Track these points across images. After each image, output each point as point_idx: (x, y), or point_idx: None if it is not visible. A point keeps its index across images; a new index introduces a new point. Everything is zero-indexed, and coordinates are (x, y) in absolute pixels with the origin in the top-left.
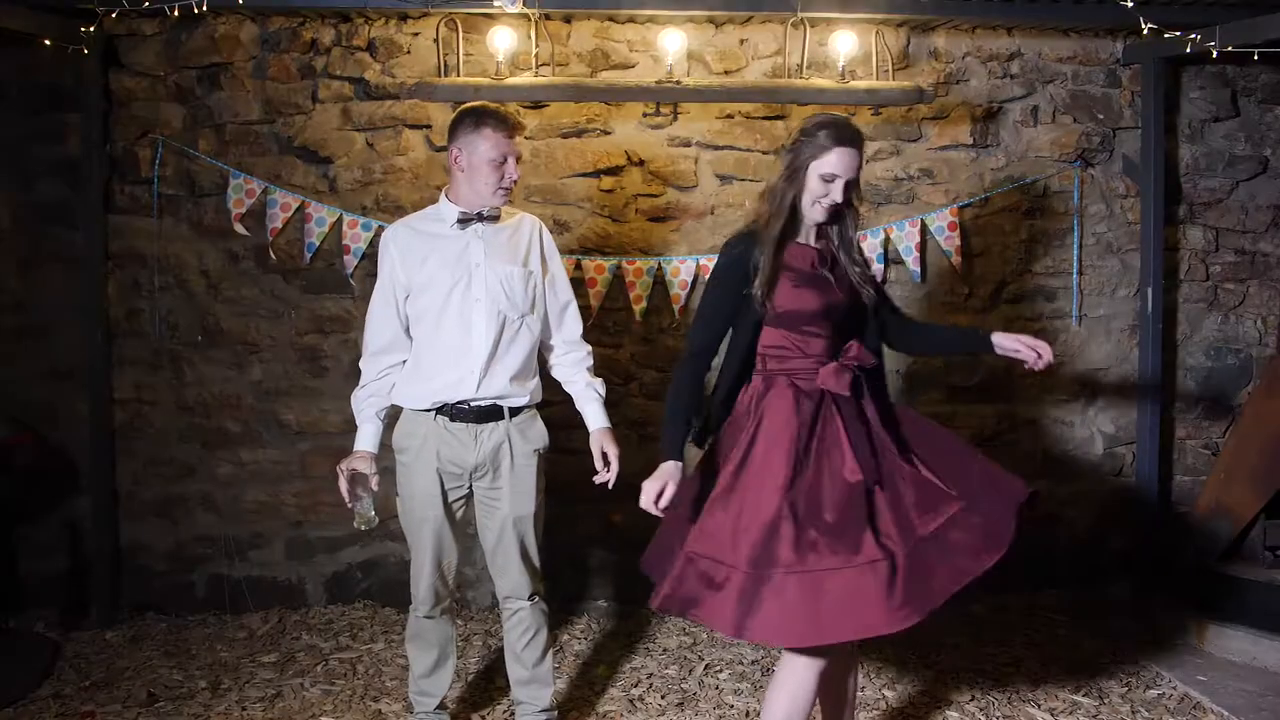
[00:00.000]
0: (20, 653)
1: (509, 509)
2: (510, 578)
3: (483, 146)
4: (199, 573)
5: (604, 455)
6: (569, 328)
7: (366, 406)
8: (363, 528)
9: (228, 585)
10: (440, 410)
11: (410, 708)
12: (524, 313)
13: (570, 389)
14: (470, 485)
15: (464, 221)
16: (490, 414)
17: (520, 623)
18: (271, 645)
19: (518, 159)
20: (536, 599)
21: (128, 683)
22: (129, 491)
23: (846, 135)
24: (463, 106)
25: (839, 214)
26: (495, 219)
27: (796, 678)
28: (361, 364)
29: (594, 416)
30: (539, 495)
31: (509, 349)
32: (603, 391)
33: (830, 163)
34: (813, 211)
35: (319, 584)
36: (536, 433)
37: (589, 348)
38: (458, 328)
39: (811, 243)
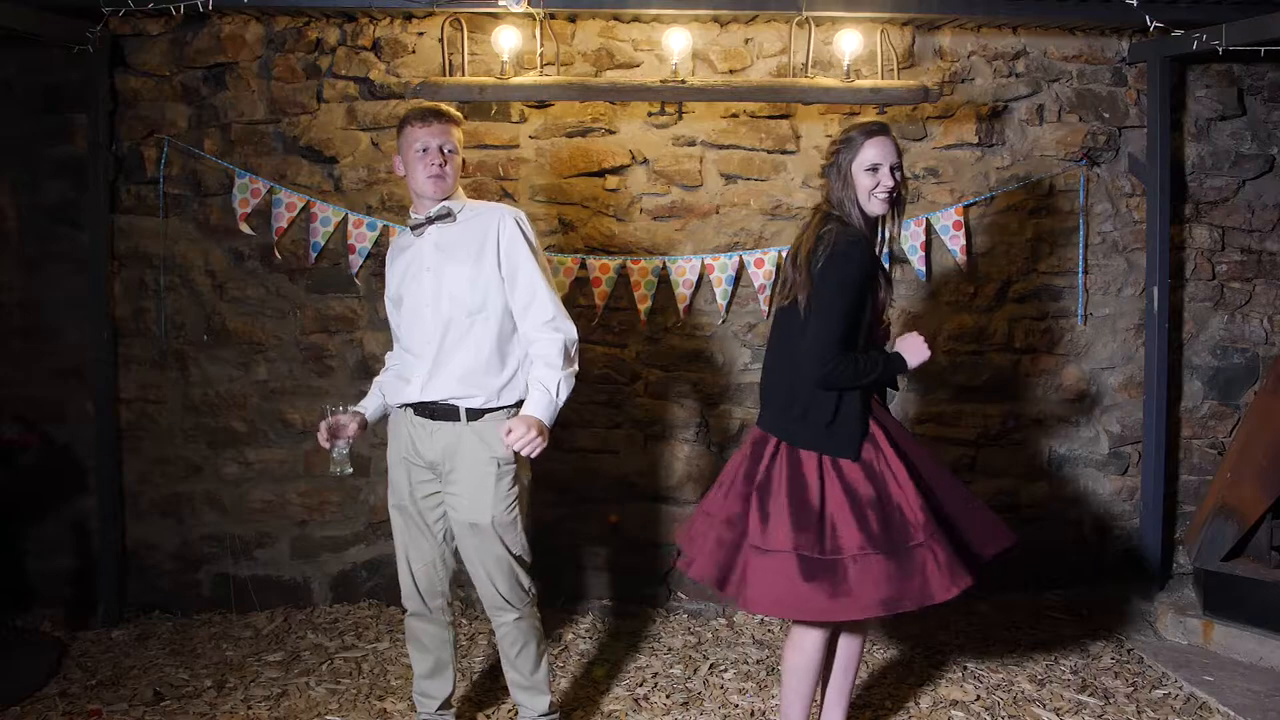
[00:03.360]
0: (27, 651)
1: (464, 514)
2: (481, 589)
3: (405, 143)
4: (205, 572)
5: (508, 431)
6: (530, 319)
7: (377, 384)
8: (336, 471)
9: (233, 584)
10: (405, 405)
11: (414, 707)
12: (472, 311)
13: (531, 374)
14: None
15: (416, 228)
16: (444, 413)
17: (506, 636)
18: (277, 644)
19: (445, 148)
20: (520, 616)
21: (134, 681)
22: (135, 491)
23: (875, 127)
24: None
25: (892, 207)
26: (447, 217)
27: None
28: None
29: (530, 402)
30: (503, 505)
31: (455, 350)
32: (554, 387)
33: (869, 155)
34: (872, 205)
35: (324, 583)
36: (497, 439)
37: (557, 337)
38: (414, 331)
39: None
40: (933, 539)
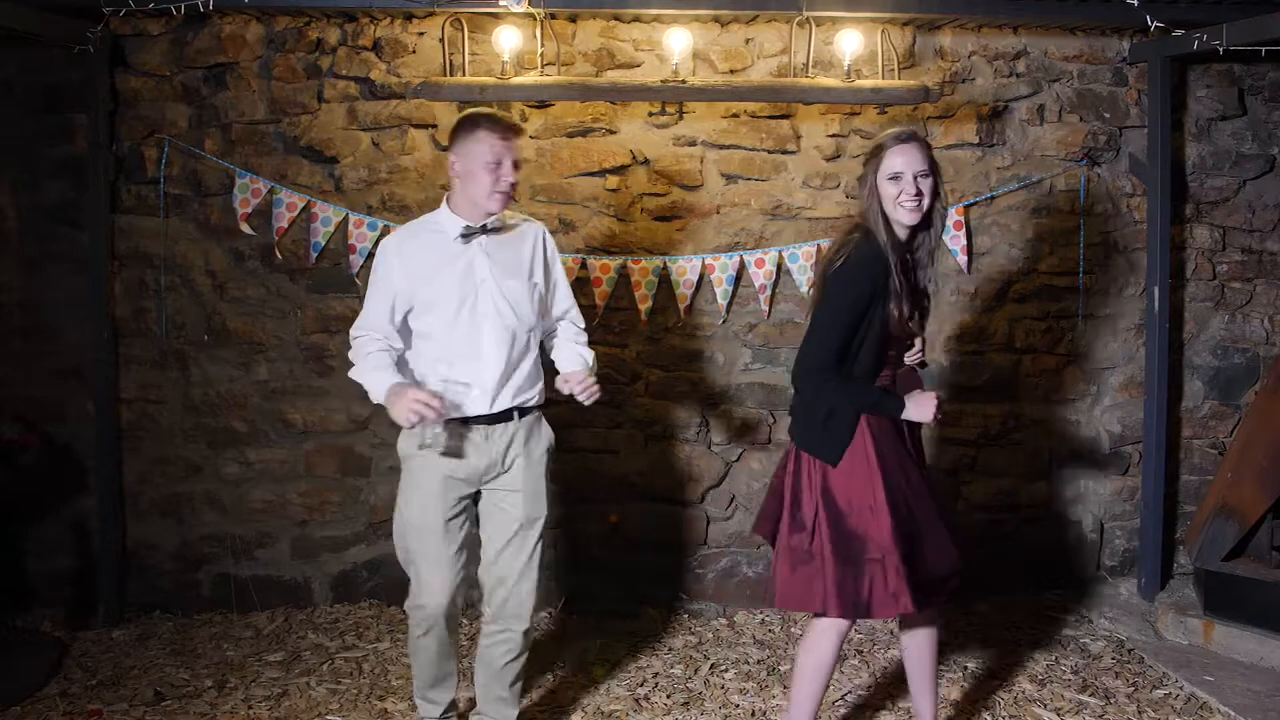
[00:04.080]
0: (27, 651)
1: (524, 510)
2: (514, 594)
3: (477, 150)
4: (205, 572)
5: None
6: (566, 315)
7: (375, 353)
8: (429, 443)
9: (234, 584)
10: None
11: (414, 707)
12: (531, 326)
13: (558, 348)
14: (479, 490)
15: (467, 236)
16: (502, 417)
17: (506, 643)
18: (277, 644)
19: (515, 163)
20: (529, 626)
21: (134, 681)
22: (135, 491)
23: (902, 134)
24: (462, 113)
25: (928, 220)
26: (499, 230)
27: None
28: (353, 333)
29: (576, 361)
30: (550, 501)
31: (521, 361)
32: (589, 356)
33: (893, 163)
34: (899, 214)
35: (325, 583)
36: (545, 432)
37: (582, 325)
38: (464, 338)
39: (903, 255)
40: (889, 557)
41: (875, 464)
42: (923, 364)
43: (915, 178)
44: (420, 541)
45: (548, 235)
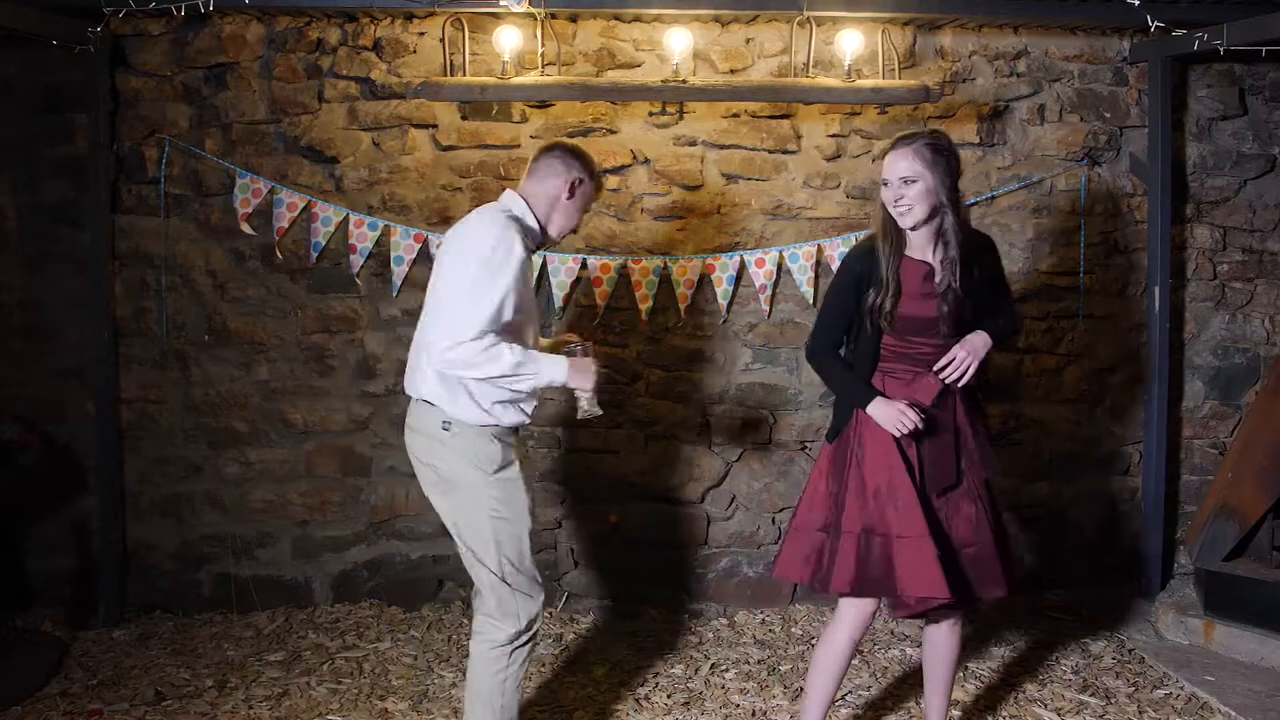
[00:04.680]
0: (28, 651)
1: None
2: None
3: (585, 195)
4: (206, 572)
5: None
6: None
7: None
8: (587, 414)
9: (234, 584)
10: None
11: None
12: None
13: None
14: None
15: (539, 247)
16: None
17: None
18: (278, 644)
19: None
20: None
21: (135, 681)
22: (136, 491)
23: (898, 139)
24: (573, 149)
25: (938, 227)
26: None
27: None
28: (480, 343)
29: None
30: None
31: None
32: None
33: (884, 169)
34: (898, 218)
35: (325, 583)
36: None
37: None
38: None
39: (927, 258)
40: (838, 540)
41: (853, 458)
42: (956, 382)
43: (898, 183)
44: (525, 558)
45: None
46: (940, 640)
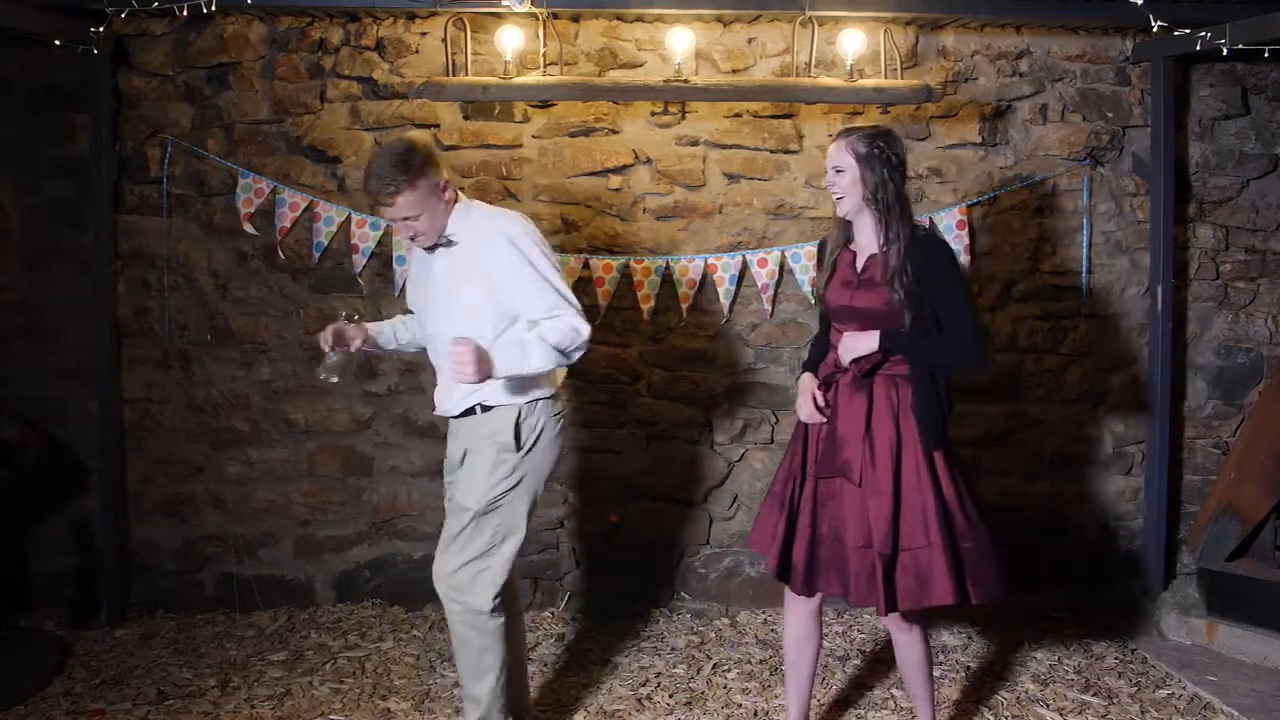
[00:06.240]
0: (30, 651)
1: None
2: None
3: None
4: (208, 571)
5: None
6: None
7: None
8: (323, 377)
9: (237, 584)
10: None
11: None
12: None
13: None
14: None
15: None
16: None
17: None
18: (280, 644)
19: (401, 219)
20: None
21: (137, 681)
22: (138, 490)
23: (839, 132)
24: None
25: (877, 221)
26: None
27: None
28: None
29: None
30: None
31: None
32: None
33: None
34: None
35: (328, 583)
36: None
37: None
38: None
39: (861, 249)
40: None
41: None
42: (844, 367)
43: (831, 171)
44: (525, 518)
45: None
46: (896, 644)
